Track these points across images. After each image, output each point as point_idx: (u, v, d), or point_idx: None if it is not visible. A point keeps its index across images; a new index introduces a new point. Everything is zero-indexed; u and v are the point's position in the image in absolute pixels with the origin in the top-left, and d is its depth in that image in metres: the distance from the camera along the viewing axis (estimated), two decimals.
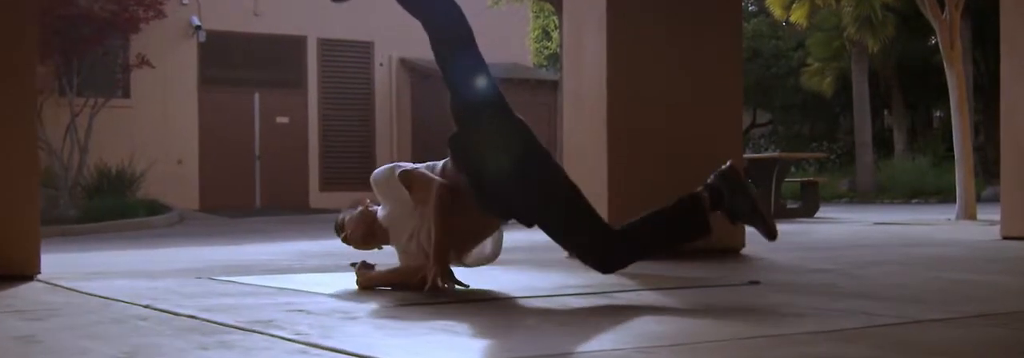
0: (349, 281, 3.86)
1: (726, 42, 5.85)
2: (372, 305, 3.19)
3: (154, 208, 15.39)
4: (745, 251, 5.50)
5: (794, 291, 3.61)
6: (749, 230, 5.62)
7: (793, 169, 15.68)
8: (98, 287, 3.82)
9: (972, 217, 9.94)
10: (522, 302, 3.28)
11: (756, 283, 3.75)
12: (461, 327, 2.73)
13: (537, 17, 19.89)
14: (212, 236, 11.19)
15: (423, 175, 3.56)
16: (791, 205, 12.82)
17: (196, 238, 10.78)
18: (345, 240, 3.82)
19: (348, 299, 3.37)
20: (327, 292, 3.57)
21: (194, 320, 2.84)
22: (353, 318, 2.89)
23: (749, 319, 2.90)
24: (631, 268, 4.24)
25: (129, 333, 2.65)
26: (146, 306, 3.18)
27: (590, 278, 3.98)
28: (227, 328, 2.67)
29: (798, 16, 19.52)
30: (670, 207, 3.53)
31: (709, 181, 3.50)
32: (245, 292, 3.64)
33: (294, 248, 7.36)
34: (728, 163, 3.53)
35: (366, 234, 3.72)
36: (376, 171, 3.69)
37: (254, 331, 2.59)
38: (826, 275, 4.22)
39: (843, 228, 9.01)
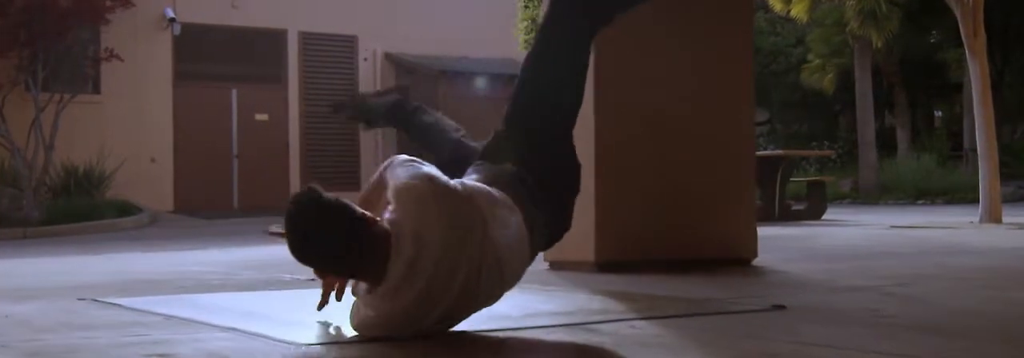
0: (273, 303, 3.05)
1: (735, 38, 4.89)
2: (273, 344, 2.37)
3: (124, 209, 14.72)
4: (757, 262, 4.64)
5: (833, 320, 2.78)
6: (762, 236, 4.82)
7: (793, 169, 14.88)
8: None
9: (997, 220, 9.11)
10: (473, 338, 2.45)
11: (781, 308, 2.92)
12: None
13: (527, 7, 19.00)
14: (176, 240, 10.43)
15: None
16: (796, 206, 11.99)
17: (157, 242, 10.01)
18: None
19: (247, 334, 2.54)
20: (224, 324, 2.73)
21: None
22: None
23: None
24: (621, 285, 3.43)
25: None
26: None
27: (568, 302, 3.16)
28: None
29: (798, 10, 18.90)
30: None
31: None
32: (118, 322, 2.81)
33: (243, 255, 6.53)
34: None
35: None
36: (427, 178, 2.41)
37: None
38: (865, 295, 3.38)
39: (858, 232, 8.16)
